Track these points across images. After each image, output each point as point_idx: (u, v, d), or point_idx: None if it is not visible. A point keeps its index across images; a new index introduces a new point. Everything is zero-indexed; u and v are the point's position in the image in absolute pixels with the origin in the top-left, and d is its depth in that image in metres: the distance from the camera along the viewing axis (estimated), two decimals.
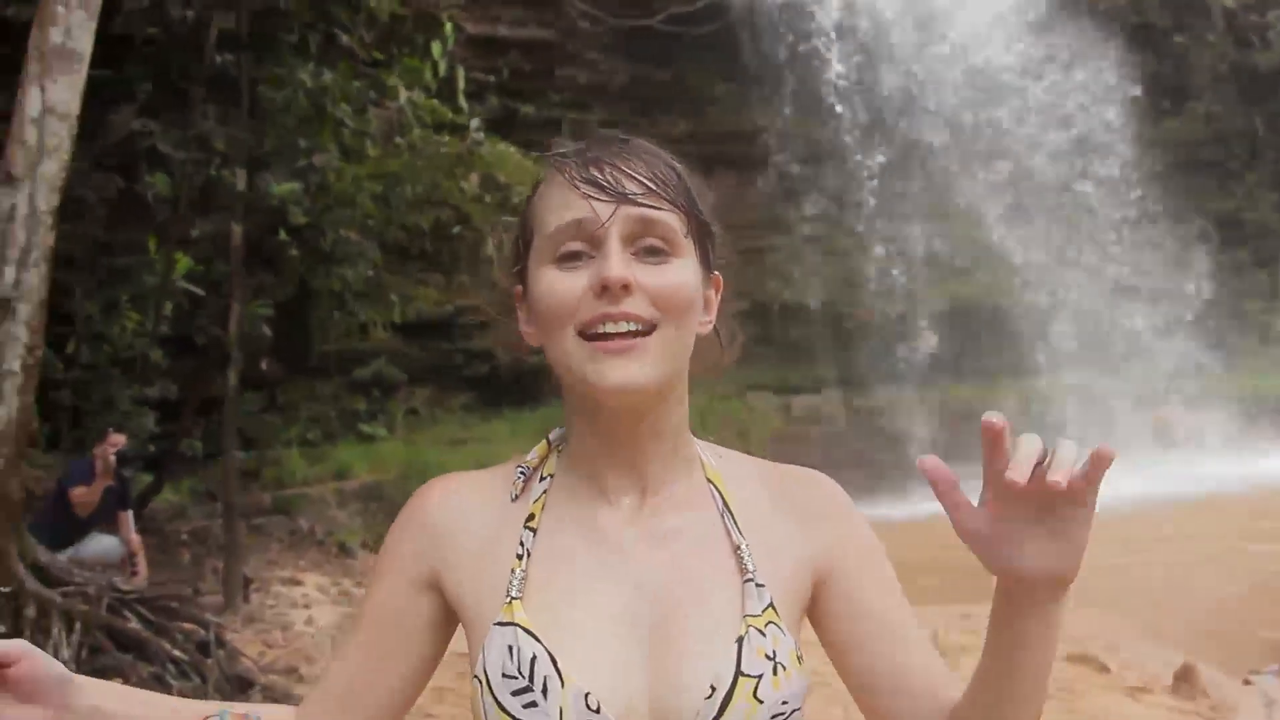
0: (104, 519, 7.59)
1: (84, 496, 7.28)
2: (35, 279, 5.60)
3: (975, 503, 1.01)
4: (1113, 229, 20.46)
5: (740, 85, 19.22)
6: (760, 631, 1.10)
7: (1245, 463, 15.53)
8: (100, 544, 7.48)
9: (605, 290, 1.08)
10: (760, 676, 1.09)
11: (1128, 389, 18.58)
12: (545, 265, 1.13)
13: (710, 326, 1.21)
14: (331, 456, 15.35)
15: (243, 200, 8.99)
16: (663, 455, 1.18)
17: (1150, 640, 7.52)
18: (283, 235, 9.73)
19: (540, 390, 14.42)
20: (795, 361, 17.96)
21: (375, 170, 9.74)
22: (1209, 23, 20.64)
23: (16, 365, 5.47)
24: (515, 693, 1.08)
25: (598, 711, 1.07)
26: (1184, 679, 6.22)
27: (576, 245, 1.11)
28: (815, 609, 1.20)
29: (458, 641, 1.23)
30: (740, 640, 1.10)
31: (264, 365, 12.36)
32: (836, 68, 20.49)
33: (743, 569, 1.14)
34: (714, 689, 1.08)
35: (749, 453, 1.29)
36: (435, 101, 10.02)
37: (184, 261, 10.63)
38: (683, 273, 1.13)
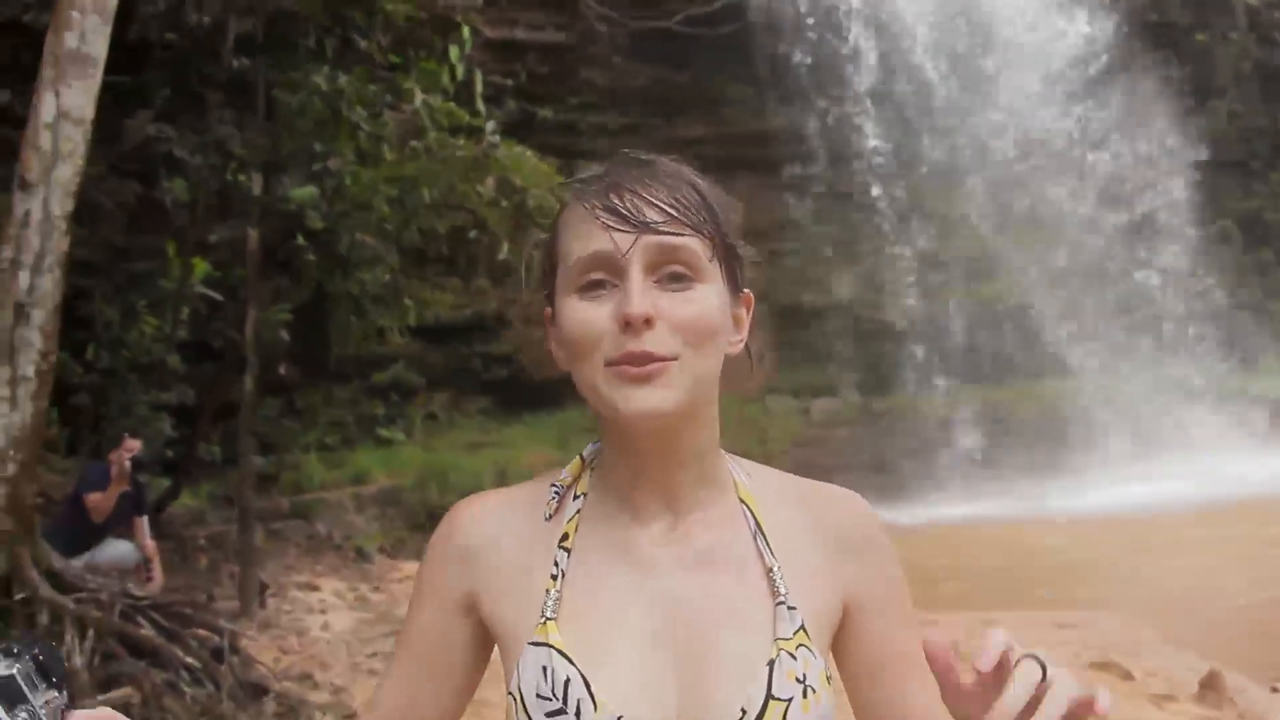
0: (120, 524, 7.57)
1: (99, 502, 7.26)
2: (49, 284, 5.60)
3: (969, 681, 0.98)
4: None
5: (758, 89, 19.10)
6: (791, 655, 1.12)
7: (1272, 464, 15.32)
8: (116, 549, 7.47)
9: (628, 325, 1.09)
10: (790, 700, 1.10)
11: (1152, 390, 18.38)
12: (569, 295, 1.14)
13: (740, 346, 1.21)
14: (349, 461, 15.38)
15: (259, 205, 9.00)
16: (693, 477, 1.19)
17: (1175, 647, 7.39)
18: (300, 240, 9.74)
19: (559, 395, 14.42)
20: (815, 365, 17.86)
21: (391, 174, 9.73)
22: (1231, 20, 20.44)
23: (30, 370, 5.47)
24: (549, 714, 1.10)
25: None
26: (1210, 686, 6.10)
27: (599, 275, 1.12)
28: (836, 635, 1.22)
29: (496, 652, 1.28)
30: (771, 663, 1.11)
31: (282, 370, 12.36)
32: (872, 142, 19.27)
33: (775, 591, 1.15)
34: (744, 712, 1.10)
35: (768, 458, 1.29)
36: (451, 104, 10.00)
37: (201, 266, 10.65)
38: (707, 300, 1.13)
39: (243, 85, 9.20)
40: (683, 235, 1.12)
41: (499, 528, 1.22)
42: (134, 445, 7.46)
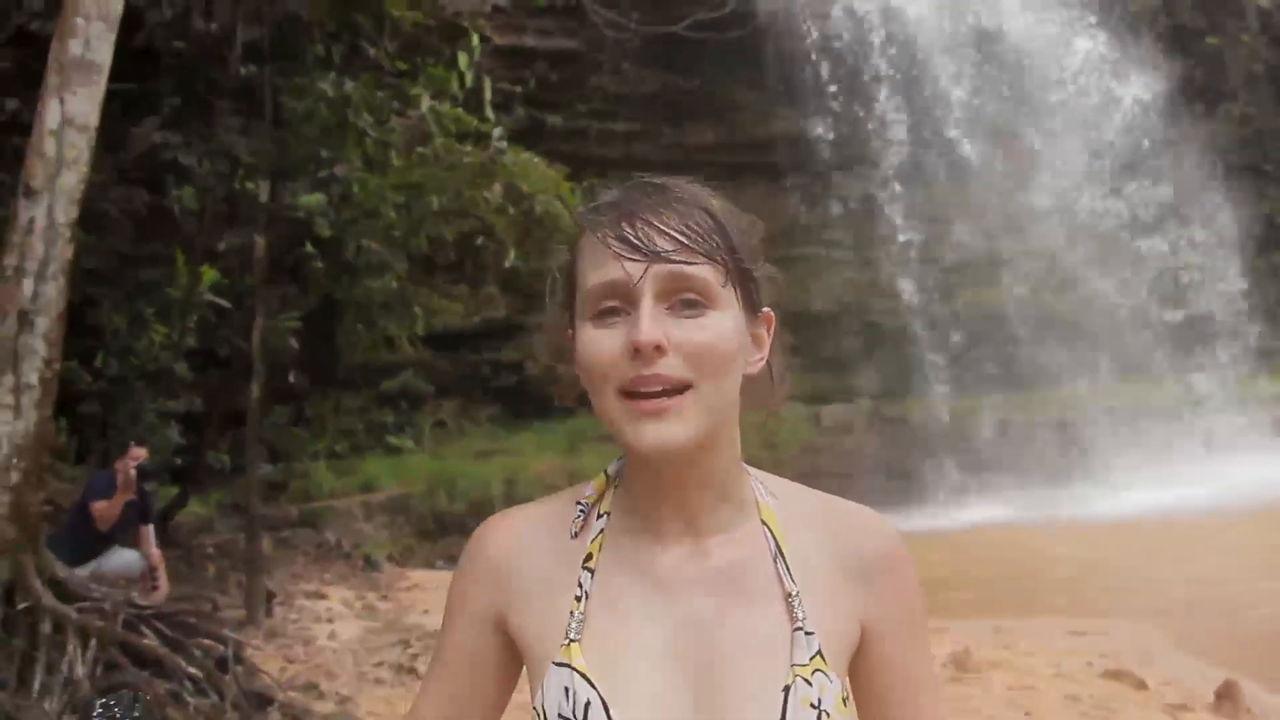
0: (126, 532, 7.56)
1: (104, 510, 7.24)
2: (53, 292, 5.58)
3: None
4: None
5: (768, 94, 19.05)
6: (806, 681, 1.13)
7: None
8: (121, 558, 7.45)
9: (638, 353, 1.10)
10: None
11: (1166, 395, 18.25)
12: (585, 321, 1.16)
13: (761, 364, 1.22)
14: (358, 469, 15.37)
15: (266, 212, 8.98)
16: (713, 500, 1.21)
17: (1190, 655, 7.31)
18: (308, 247, 9.72)
19: None
20: (825, 371, 17.78)
21: (399, 180, 9.71)
22: (1243, 23, 20.33)
23: (34, 378, 5.45)
24: None
25: None
26: (1226, 696, 6.01)
27: (613, 303, 1.14)
28: (853, 658, 1.24)
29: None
30: (787, 690, 1.13)
31: (291, 378, 12.34)
32: (900, 237, 18.40)
33: (793, 617, 1.17)
34: None
35: (778, 464, 1.29)
36: (459, 110, 9.98)
37: (209, 274, 10.63)
38: (720, 326, 1.14)
39: (250, 92, 9.20)
40: (694, 263, 1.13)
41: (526, 547, 1.25)
42: (139, 453, 7.44)
